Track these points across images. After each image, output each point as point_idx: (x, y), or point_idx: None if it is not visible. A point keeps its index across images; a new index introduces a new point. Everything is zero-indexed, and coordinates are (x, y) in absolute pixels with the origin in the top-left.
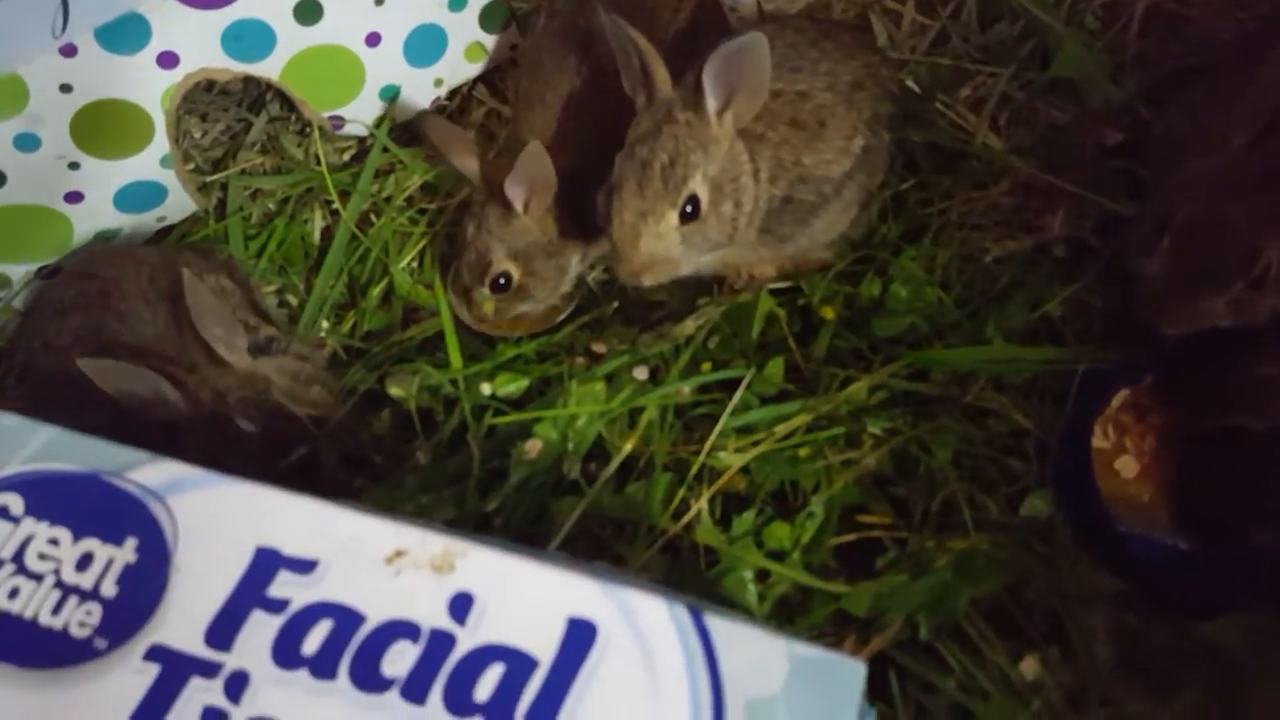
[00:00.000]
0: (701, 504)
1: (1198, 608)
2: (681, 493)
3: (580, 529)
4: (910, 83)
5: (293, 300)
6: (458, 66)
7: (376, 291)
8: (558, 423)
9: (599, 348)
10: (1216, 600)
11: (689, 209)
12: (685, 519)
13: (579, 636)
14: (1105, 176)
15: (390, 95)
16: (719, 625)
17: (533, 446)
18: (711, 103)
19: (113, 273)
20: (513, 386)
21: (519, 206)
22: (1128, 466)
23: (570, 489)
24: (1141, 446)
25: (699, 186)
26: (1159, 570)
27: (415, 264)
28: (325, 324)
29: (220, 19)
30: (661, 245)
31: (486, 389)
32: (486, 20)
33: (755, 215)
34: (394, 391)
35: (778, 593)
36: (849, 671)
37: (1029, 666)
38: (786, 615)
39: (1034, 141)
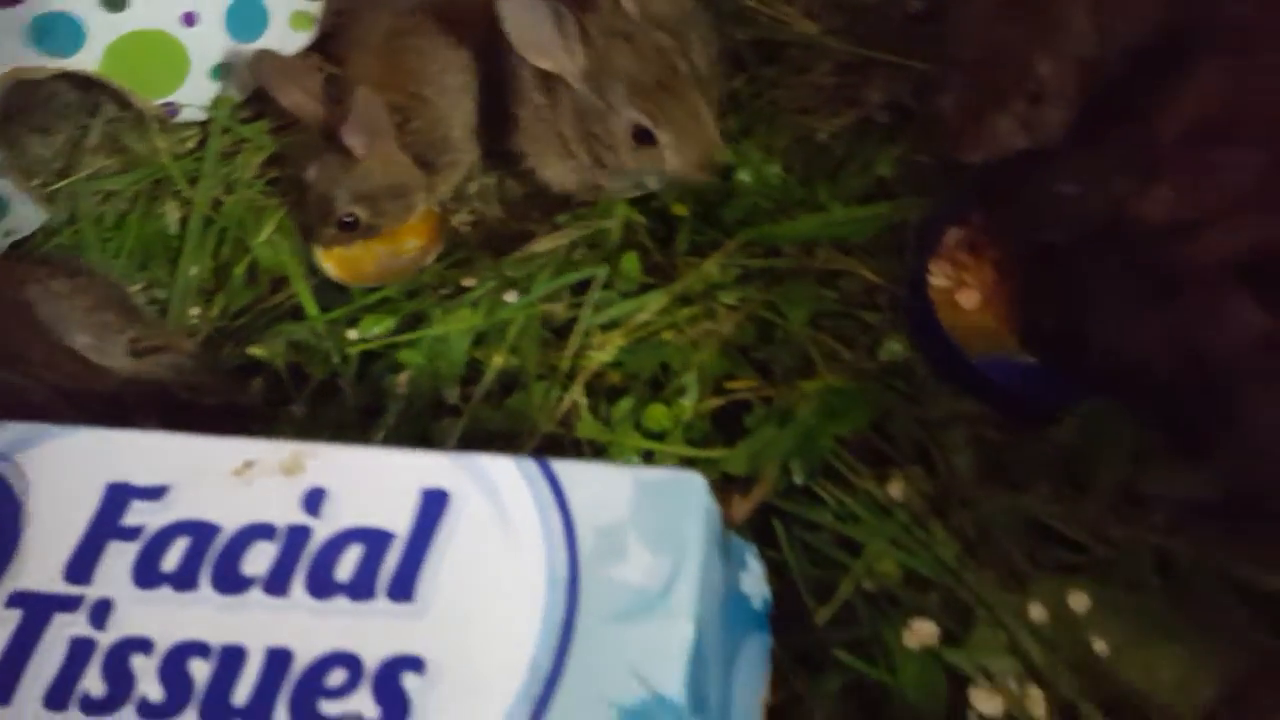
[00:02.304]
0: (573, 398)
1: (1048, 414)
2: (558, 394)
3: (465, 446)
4: None
5: (161, 294)
6: (286, 37)
7: (240, 270)
8: (426, 349)
9: (468, 282)
10: (1063, 404)
11: None
12: (559, 411)
13: (432, 505)
14: (915, 43)
15: (221, 75)
16: (564, 468)
17: (404, 378)
18: None
19: None
20: (379, 328)
21: (360, 152)
22: (970, 299)
23: (451, 412)
24: (980, 279)
25: None
26: (1010, 387)
27: (276, 235)
28: (195, 310)
29: (23, 15)
30: None
31: (353, 334)
32: None
33: None
34: (256, 351)
35: None
36: (689, 484)
37: (895, 487)
38: None
39: (846, 21)
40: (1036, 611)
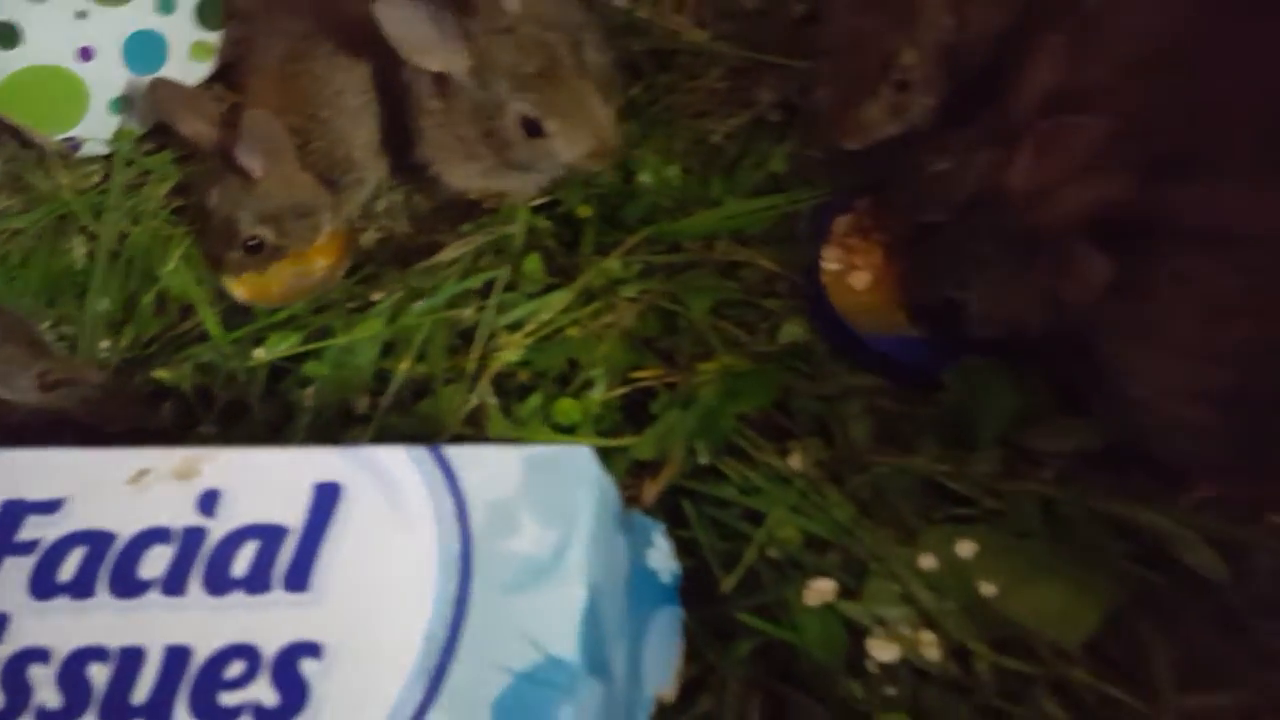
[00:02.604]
0: (481, 399)
1: (937, 382)
2: (467, 396)
3: None
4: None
5: (70, 329)
6: (187, 67)
7: (148, 300)
8: (332, 361)
9: (377, 295)
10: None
11: None
12: (468, 412)
13: (325, 498)
14: (800, 44)
15: (121, 108)
16: (456, 452)
17: (310, 391)
18: None
19: None
20: (284, 345)
21: (257, 172)
22: (861, 280)
23: (360, 421)
24: (870, 261)
25: None
26: (900, 359)
27: (183, 263)
28: (105, 343)
29: None
30: None
31: (261, 353)
32: (204, 18)
33: None
34: (161, 375)
35: None
36: (578, 458)
37: (795, 459)
38: None
39: (734, 28)
40: (927, 561)
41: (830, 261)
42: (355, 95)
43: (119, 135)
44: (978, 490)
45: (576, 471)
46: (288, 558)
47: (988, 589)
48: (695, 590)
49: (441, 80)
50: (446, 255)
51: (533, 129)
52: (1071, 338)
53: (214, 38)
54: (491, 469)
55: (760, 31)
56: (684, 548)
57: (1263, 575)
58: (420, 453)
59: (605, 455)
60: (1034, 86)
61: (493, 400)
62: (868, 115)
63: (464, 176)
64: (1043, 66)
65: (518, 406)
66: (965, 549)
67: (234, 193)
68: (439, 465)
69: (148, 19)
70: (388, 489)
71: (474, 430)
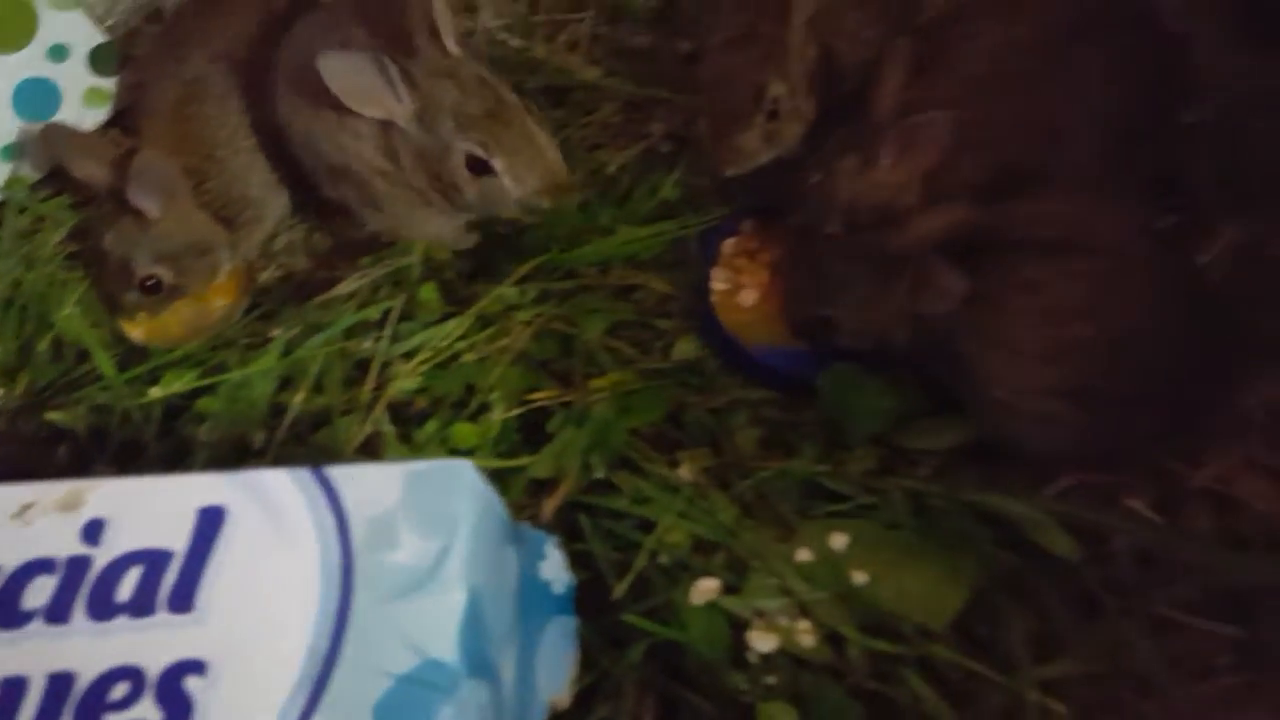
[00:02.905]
0: (377, 427)
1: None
2: (362, 425)
3: None
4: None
5: None
6: (81, 113)
7: (44, 345)
8: (227, 397)
9: (275, 331)
10: None
11: None
12: (360, 439)
13: (209, 521)
14: (686, 79)
15: (13, 155)
16: (337, 471)
17: (205, 427)
18: None
19: None
20: (179, 383)
21: (152, 212)
22: (747, 298)
23: (257, 455)
24: (756, 280)
25: None
26: (784, 370)
27: (78, 307)
28: None
29: None
30: None
31: (156, 392)
32: (97, 65)
33: None
34: (55, 417)
35: None
36: (457, 470)
37: (685, 469)
38: None
39: (625, 65)
40: (803, 555)
41: (719, 282)
42: (249, 136)
43: (11, 182)
44: (853, 487)
45: (456, 484)
46: (172, 580)
47: (859, 578)
48: (592, 600)
49: (389, 138)
50: (344, 289)
51: (480, 168)
52: (937, 345)
53: (109, 84)
54: (372, 486)
55: (650, 68)
56: (582, 560)
57: (1120, 556)
58: (302, 474)
59: (504, 475)
60: (887, 92)
61: (389, 428)
62: (744, 144)
63: (430, 228)
64: (892, 71)
65: (416, 432)
66: (838, 541)
67: (129, 234)
68: (321, 485)
69: (39, 67)
70: (271, 510)
71: (371, 458)
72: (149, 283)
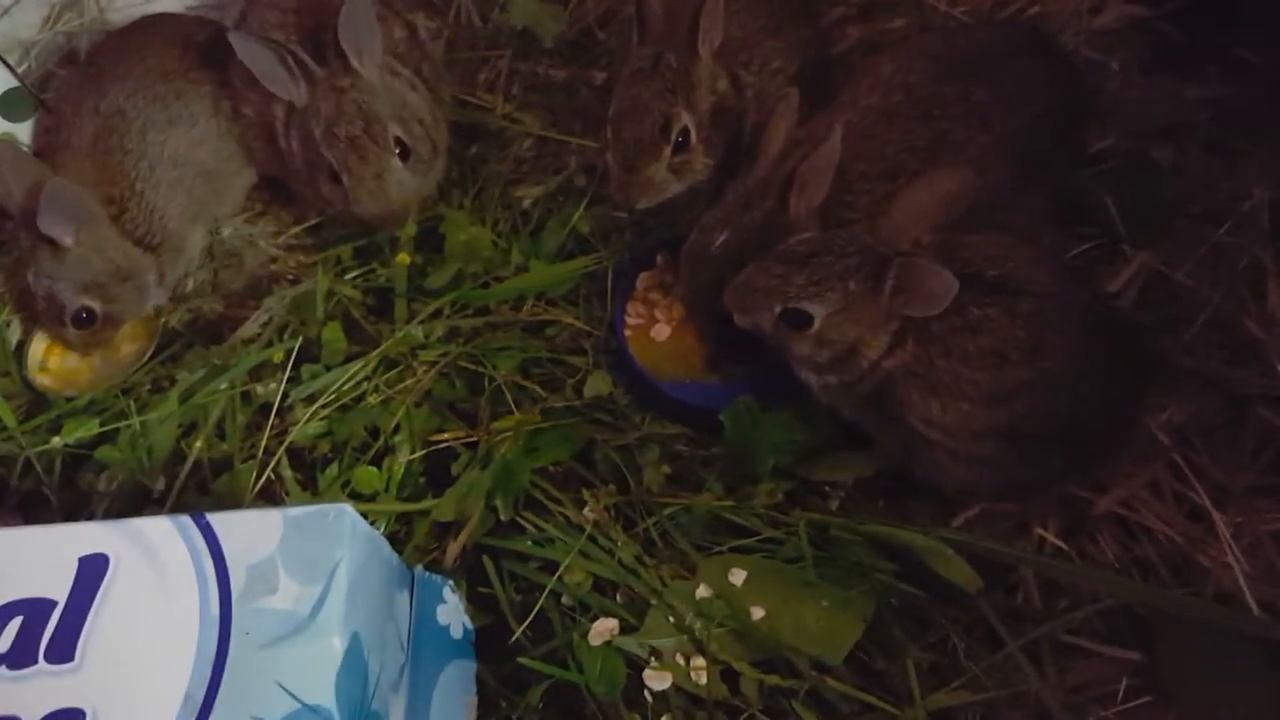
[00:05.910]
0: (279, 473)
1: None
2: (263, 472)
3: None
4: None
5: None
6: None
7: None
8: (127, 445)
9: (182, 374)
10: None
11: None
12: (260, 486)
13: (91, 570)
14: (603, 111)
15: None
16: (219, 518)
17: (104, 476)
18: None
19: None
20: (82, 431)
21: (66, 240)
22: (661, 333)
23: (157, 503)
24: (670, 314)
25: None
26: (696, 405)
27: None
28: None
29: None
30: None
31: (58, 441)
32: (9, 110)
33: None
34: None
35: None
36: (337, 515)
37: (591, 509)
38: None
39: (542, 98)
40: (703, 591)
41: (633, 316)
42: (172, 168)
43: None
44: (757, 521)
45: (336, 529)
46: (52, 628)
47: (757, 613)
48: (494, 643)
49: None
50: (249, 330)
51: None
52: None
53: (23, 129)
54: (252, 533)
55: (567, 101)
56: (486, 603)
57: (1026, 584)
58: (184, 521)
59: (408, 518)
60: (773, 142)
61: (289, 473)
62: (652, 176)
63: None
64: (779, 123)
65: (319, 476)
66: (738, 577)
67: (47, 265)
68: (202, 533)
69: None
70: (152, 558)
71: (272, 505)
72: (82, 315)
